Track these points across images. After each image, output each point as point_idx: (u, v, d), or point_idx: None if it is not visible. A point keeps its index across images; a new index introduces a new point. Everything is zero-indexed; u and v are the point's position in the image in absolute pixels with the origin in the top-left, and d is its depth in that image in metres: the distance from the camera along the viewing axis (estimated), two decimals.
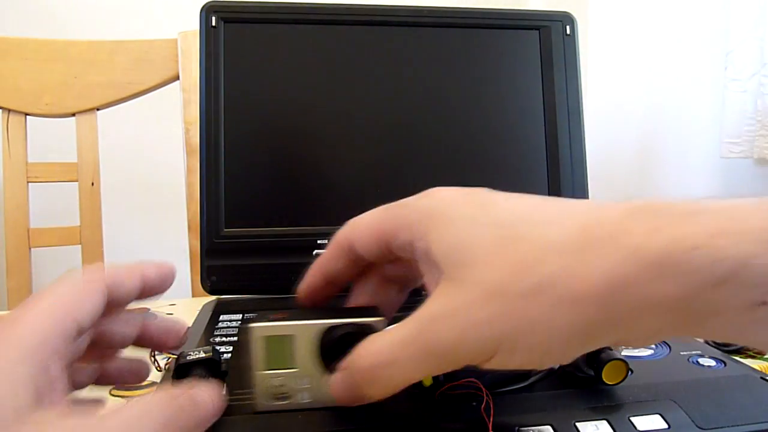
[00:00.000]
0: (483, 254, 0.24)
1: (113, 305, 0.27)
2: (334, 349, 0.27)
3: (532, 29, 0.56)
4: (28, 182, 0.78)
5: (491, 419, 0.26)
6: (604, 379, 0.30)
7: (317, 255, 0.51)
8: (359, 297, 0.31)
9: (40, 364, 0.21)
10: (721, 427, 0.27)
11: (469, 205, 0.26)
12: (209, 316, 0.45)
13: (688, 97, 1.42)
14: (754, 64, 1.26)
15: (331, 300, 0.32)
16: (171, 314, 0.57)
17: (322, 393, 0.28)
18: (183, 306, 0.59)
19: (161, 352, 0.33)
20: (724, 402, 0.29)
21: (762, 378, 0.32)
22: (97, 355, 0.29)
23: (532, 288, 0.22)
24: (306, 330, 0.27)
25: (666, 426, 0.27)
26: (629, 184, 1.40)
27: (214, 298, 0.51)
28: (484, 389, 0.28)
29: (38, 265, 0.80)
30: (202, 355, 0.28)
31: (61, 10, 1.18)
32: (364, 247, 0.29)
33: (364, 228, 0.29)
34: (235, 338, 0.39)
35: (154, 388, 0.32)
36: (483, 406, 0.27)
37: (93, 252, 0.80)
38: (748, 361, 0.37)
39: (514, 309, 0.22)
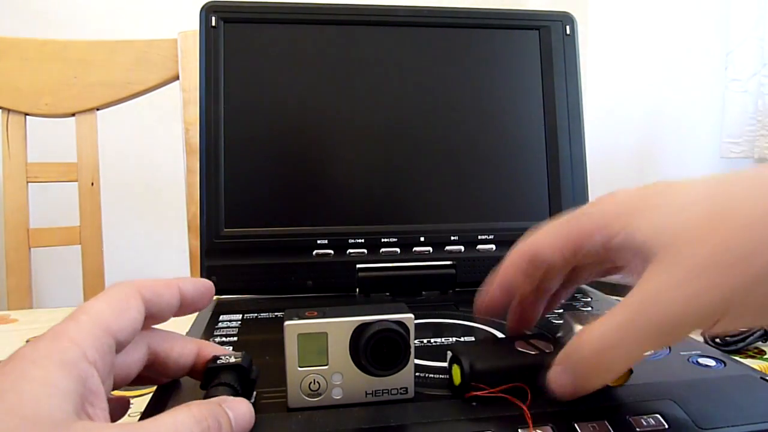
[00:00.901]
0: (693, 230, 0.25)
1: (152, 320, 0.28)
2: (366, 345, 0.28)
3: (532, 29, 0.56)
4: (27, 182, 0.78)
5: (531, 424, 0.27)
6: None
7: (317, 255, 0.51)
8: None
9: (78, 378, 0.22)
10: (721, 427, 0.27)
11: (660, 192, 0.28)
12: (209, 316, 0.45)
13: (688, 96, 1.42)
14: (754, 64, 1.26)
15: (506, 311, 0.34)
16: None
17: (354, 389, 0.28)
18: None
19: None
20: (724, 402, 0.29)
21: (762, 378, 0.32)
22: (151, 379, 0.30)
23: (750, 250, 0.24)
24: (338, 327, 0.28)
25: (666, 426, 0.27)
26: (629, 184, 1.40)
27: (214, 298, 0.51)
28: (511, 398, 0.28)
29: (38, 265, 0.80)
30: (232, 360, 0.28)
31: (61, 10, 1.18)
32: (551, 256, 0.31)
33: (550, 239, 0.31)
34: (235, 338, 0.39)
35: (154, 388, 0.31)
36: (527, 405, 0.28)
37: (93, 252, 0.80)
38: (748, 361, 0.37)
39: (735, 272, 0.24)
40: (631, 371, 0.30)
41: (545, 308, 0.35)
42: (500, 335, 0.39)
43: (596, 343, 0.26)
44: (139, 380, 0.29)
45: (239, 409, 0.25)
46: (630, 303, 0.26)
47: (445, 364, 0.31)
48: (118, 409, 0.29)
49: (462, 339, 0.38)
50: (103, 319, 0.24)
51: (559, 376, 0.27)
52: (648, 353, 0.27)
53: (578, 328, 0.31)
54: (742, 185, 0.26)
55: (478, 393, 0.29)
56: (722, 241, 0.24)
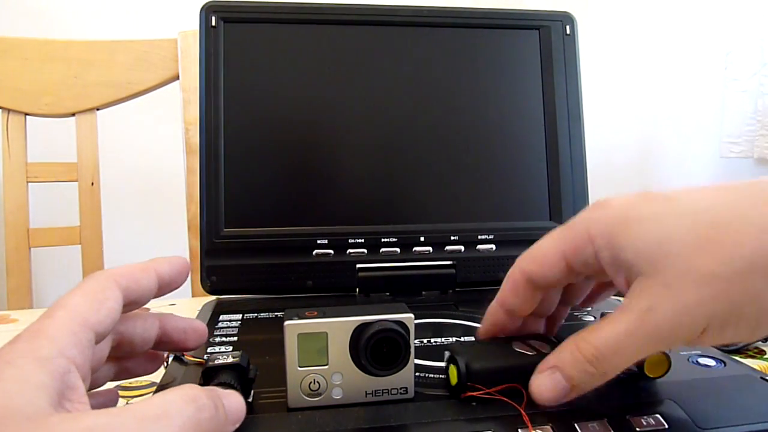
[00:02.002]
0: (684, 243, 0.26)
1: (131, 306, 0.28)
2: (366, 345, 0.28)
3: (532, 29, 0.56)
4: (28, 182, 0.78)
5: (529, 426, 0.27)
6: (647, 373, 0.30)
7: (317, 255, 0.51)
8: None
9: (56, 374, 0.22)
10: (721, 427, 0.28)
11: (653, 202, 0.28)
12: (209, 316, 0.45)
13: (688, 96, 1.42)
14: (754, 64, 1.26)
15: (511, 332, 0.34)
16: None
17: (354, 389, 0.28)
18: (183, 306, 0.59)
19: (182, 353, 0.33)
20: (724, 402, 0.29)
21: (762, 378, 0.32)
22: (118, 358, 0.30)
23: (742, 268, 0.24)
24: (338, 327, 0.28)
25: (666, 426, 0.27)
26: (629, 184, 1.40)
27: (213, 298, 0.51)
28: (506, 399, 0.28)
29: (38, 265, 0.80)
30: (230, 360, 0.28)
31: (61, 10, 1.18)
32: (545, 275, 0.30)
33: (541, 256, 0.31)
34: (235, 338, 0.39)
35: (154, 388, 0.32)
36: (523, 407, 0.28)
37: (93, 252, 0.80)
38: (748, 361, 0.37)
39: (725, 290, 0.25)
40: (669, 364, 0.31)
41: (546, 330, 0.35)
42: None
43: (601, 347, 0.27)
44: (116, 372, 0.30)
45: (232, 398, 0.25)
46: (633, 311, 0.26)
47: (445, 364, 0.31)
48: (107, 404, 0.29)
49: (461, 339, 0.38)
50: (80, 313, 0.24)
51: (548, 380, 0.28)
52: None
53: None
54: (728, 200, 0.27)
55: (474, 393, 0.29)
56: (706, 268, 0.25)
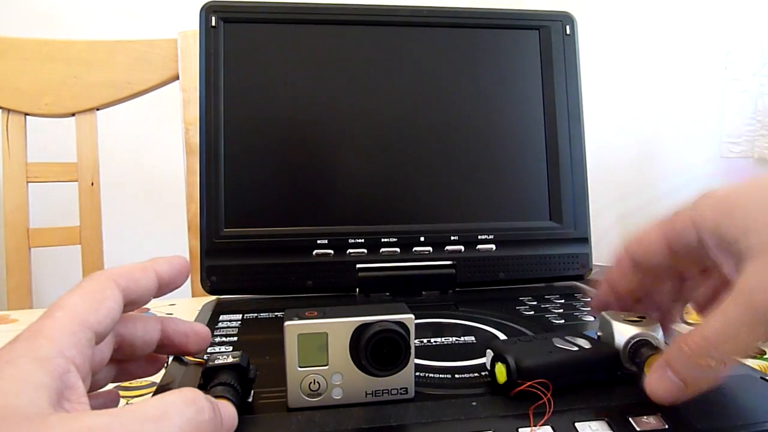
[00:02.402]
0: None
1: (131, 306, 0.28)
2: (366, 346, 0.28)
3: (532, 29, 0.56)
4: (28, 182, 0.78)
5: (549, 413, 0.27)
6: (647, 373, 0.30)
7: (317, 255, 0.51)
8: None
9: (55, 373, 0.22)
10: (721, 427, 0.27)
11: (753, 188, 0.28)
12: (209, 316, 0.45)
13: (688, 96, 1.42)
14: (754, 64, 1.26)
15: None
16: (171, 314, 0.57)
17: (354, 389, 0.28)
18: (183, 306, 0.59)
19: (184, 357, 0.33)
20: (724, 402, 0.29)
21: (762, 378, 0.32)
22: (120, 360, 0.30)
23: None
24: (339, 327, 0.28)
25: (666, 426, 0.27)
26: (629, 184, 1.40)
27: (214, 298, 0.51)
28: (548, 393, 0.28)
29: (38, 265, 0.80)
30: (230, 360, 0.28)
31: (61, 10, 1.18)
32: (647, 256, 0.32)
33: (646, 241, 0.32)
34: (235, 338, 0.39)
35: (154, 388, 0.32)
36: (534, 405, 0.28)
37: (93, 252, 0.80)
38: (748, 361, 0.37)
39: None
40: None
41: (663, 327, 0.36)
42: (502, 336, 0.39)
43: (713, 339, 0.27)
44: (116, 373, 0.30)
45: (226, 407, 0.25)
46: (738, 297, 0.26)
47: (444, 364, 0.31)
48: (107, 404, 0.29)
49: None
50: (78, 313, 0.24)
51: (659, 379, 0.28)
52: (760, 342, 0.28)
53: (616, 324, 0.32)
54: None
55: (521, 388, 0.29)
56: None
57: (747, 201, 0.28)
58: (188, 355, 0.32)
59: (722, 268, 0.29)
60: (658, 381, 0.28)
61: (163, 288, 0.29)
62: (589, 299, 0.48)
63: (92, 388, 0.28)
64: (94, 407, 0.23)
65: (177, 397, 0.22)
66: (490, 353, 0.31)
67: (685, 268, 0.34)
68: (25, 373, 0.21)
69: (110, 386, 0.32)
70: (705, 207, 0.29)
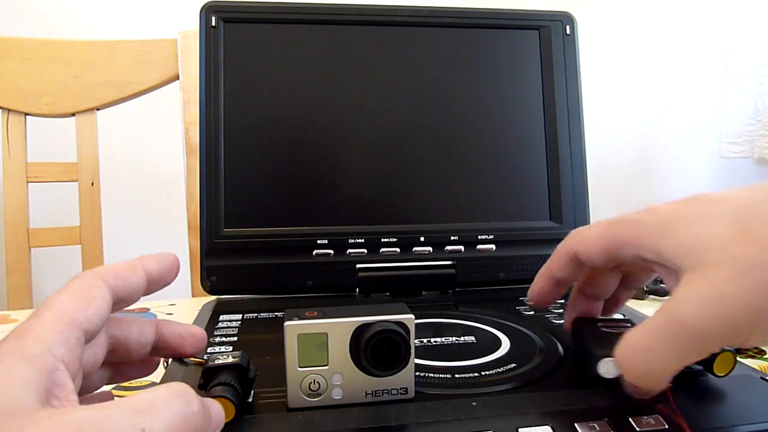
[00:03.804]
0: (726, 237, 0.25)
1: (121, 304, 0.27)
2: (366, 346, 0.28)
3: (532, 29, 0.56)
4: (28, 182, 0.78)
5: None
6: (715, 372, 0.31)
7: (317, 255, 0.51)
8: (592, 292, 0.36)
9: (43, 371, 0.21)
10: (721, 427, 0.27)
11: (694, 205, 0.28)
12: (209, 316, 0.45)
13: (688, 97, 1.42)
14: (754, 64, 1.26)
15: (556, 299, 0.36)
16: (171, 314, 0.57)
17: (354, 389, 0.28)
18: (183, 306, 0.59)
19: (180, 359, 0.33)
20: (724, 402, 0.29)
21: (762, 378, 0.32)
22: (114, 363, 0.30)
23: None
24: (339, 327, 0.28)
25: (666, 426, 0.27)
26: (629, 184, 1.40)
27: (214, 298, 0.51)
28: (671, 395, 0.29)
29: (38, 265, 0.80)
30: (230, 360, 0.28)
31: (61, 10, 1.18)
32: (590, 258, 0.32)
33: (590, 241, 0.32)
34: (235, 338, 0.39)
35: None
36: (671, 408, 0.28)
37: (93, 252, 0.80)
38: (748, 361, 0.37)
39: (759, 286, 0.24)
40: (736, 361, 0.31)
41: (603, 312, 0.37)
42: (503, 337, 0.39)
43: (630, 349, 0.27)
44: (111, 374, 0.30)
45: (215, 406, 0.25)
46: (666, 307, 0.26)
47: (444, 364, 0.31)
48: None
49: (461, 339, 0.38)
50: (67, 312, 0.24)
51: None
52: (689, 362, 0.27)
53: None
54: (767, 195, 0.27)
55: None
56: (746, 256, 0.24)
57: (685, 217, 0.28)
58: (184, 357, 0.32)
59: (665, 280, 0.29)
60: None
61: (153, 285, 0.29)
62: None
63: (86, 390, 0.28)
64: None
65: (165, 390, 0.22)
66: (596, 353, 0.30)
67: (627, 268, 0.34)
68: (13, 369, 0.21)
69: (106, 387, 0.32)
70: (647, 223, 0.29)
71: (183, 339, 0.31)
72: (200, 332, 0.32)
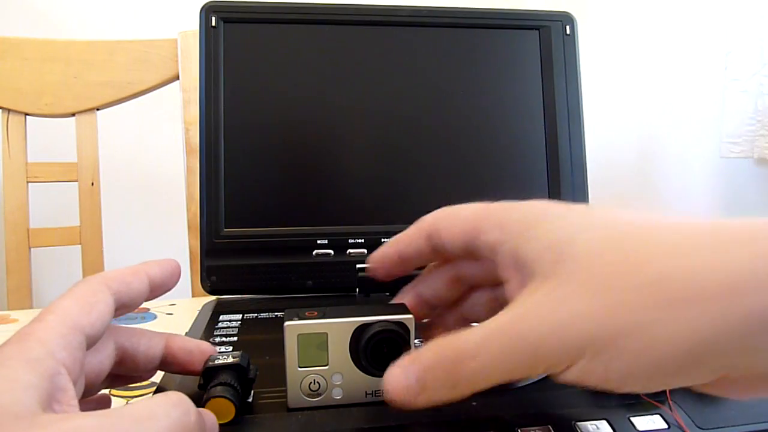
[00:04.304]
0: (587, 250, 0.23)
1: (123, 310, 0.28)
2: (366, 346, 0.28)
3: (532, 29, 0.56)
4: (28, 182, 0.78)
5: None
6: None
7: (317, 255, 0.51)
8: (424, 286, 0.32)
9: (46, 375, 0.22)
10: (721, 427, 0.28)
11: (570, 210, 0.26)
12: (209, 316, 0.45)
13: (688, 97, 1.42)
14: (754, 64, 1.26)
15: (394, 278, 0.33)
16: (171, 314, 0.57)
17: (354, 389, 0.28)
18: (183, 306, 0.59)
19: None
20: (724, 402, 0.29)
21: None
22: (120, 376, 0.30)
23: (643, 283, 0.21)
24: (339, 327, 0.28)
25: (666, 426, 0.27)
26: (629, 184, 1.40)
27: (214, 298, 0.51)
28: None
29: (38, 265, 0.80)
30: (230, 360, 0.28)
31: (61, 10, 1.18)
32: (449, 236, 0.29)
33: (455, 217, 0.30)
34: (235, 338, 0.39)
35: (154, 388, 0.32)
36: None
37: (93, 252, 0.80)
38: None
39: (620, 303, 0.21)
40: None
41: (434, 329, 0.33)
42: None
43: (457, 350, 0.24)
44: (112, 380, 0.29)
45: (209, 416, 0.25)
46: (508, 311, 0.24)
47: None
48: (98, 408, 0.29)
49: None
50: (69, 316, 0.24)
51: (401, 374, 0.25)
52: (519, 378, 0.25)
53: None
54: (649, 220, 0.23)
55: None
56: (608, 269, 0.22)
57: (556, 214, 0.26)
58: (192, 375, 0.32)
59: (509, 282, 0.26)
60: (399, 376, 0.25)
61: (155, 291, 0.29)
62: None
63: (88, 395, 0.28)
64: (84, 410, 0.23)
65: (163, 400, 0.22)
66: None
67: (473, 271, 0.31)
68: (15, 373, 0.21)
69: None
70: (520, 211, 0.28)
71: (193, 355, 0.30)
72: (211, 349, 0.31)
